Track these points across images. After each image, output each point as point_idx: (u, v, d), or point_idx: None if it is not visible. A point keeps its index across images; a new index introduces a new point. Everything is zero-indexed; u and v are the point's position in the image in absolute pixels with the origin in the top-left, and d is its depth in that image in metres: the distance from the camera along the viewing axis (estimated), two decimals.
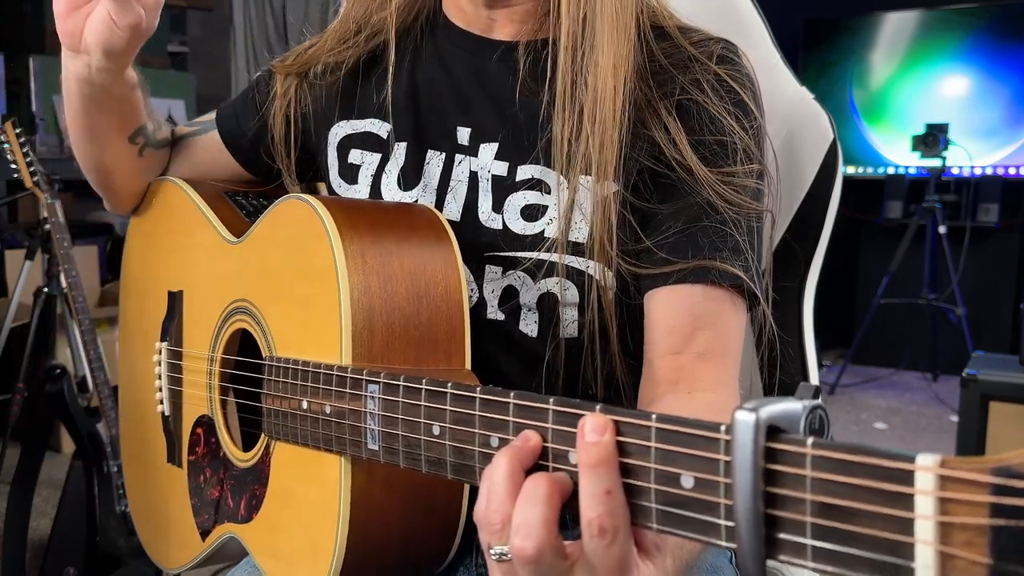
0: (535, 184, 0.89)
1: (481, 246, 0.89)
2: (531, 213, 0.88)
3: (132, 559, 2.09)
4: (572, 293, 0.87)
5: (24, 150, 2.36)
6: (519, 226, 0.89)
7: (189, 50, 4.50)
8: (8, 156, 2.38)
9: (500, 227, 0.89)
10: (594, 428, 0.50)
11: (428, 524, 0.81)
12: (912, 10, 5.16)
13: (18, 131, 2.38)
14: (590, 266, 0.86)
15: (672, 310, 0.84)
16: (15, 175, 2.40)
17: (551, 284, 0.88)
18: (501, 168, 0.91)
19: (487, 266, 0.89)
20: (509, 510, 0.53)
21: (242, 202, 1.08)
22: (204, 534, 0.99)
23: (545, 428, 0.55)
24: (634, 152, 0.86)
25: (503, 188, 0.90)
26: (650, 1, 0.91)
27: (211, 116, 1.14)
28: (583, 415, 0.52)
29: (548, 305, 0.88)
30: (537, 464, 0.55)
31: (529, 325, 0.89)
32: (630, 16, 0.84)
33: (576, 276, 0.87)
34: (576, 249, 0.87)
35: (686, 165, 0.84)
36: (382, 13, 0.97)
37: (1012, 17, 4.86)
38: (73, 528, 2.15)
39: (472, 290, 0.88)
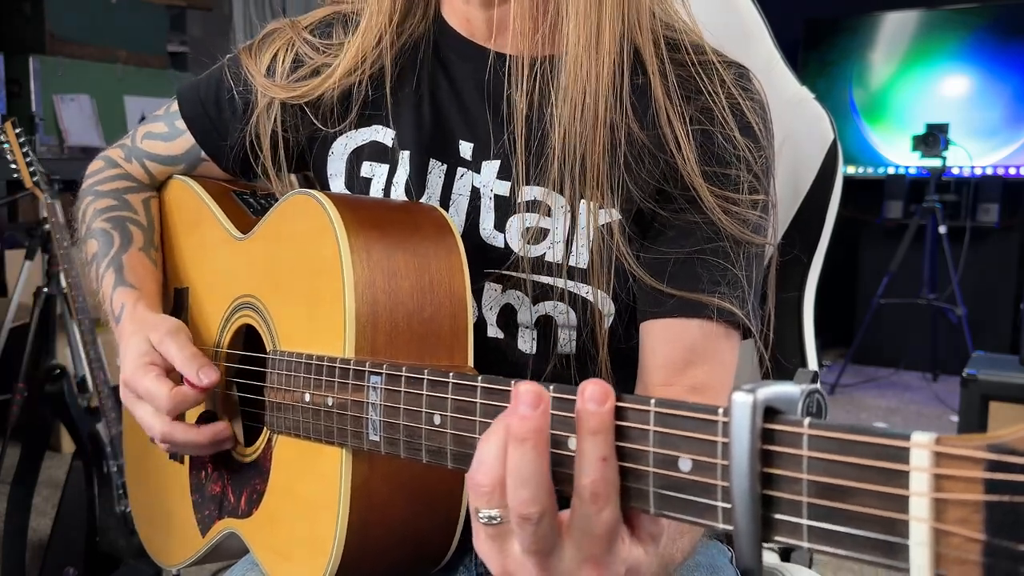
0: (537, 206, 0.88)
1: (482, 262, 0.88)
2: (532, 236, 0.88)
3: (132, 559, 2.09)
4: (570, 317, 0.87)
5: (24, 150, 2.37)
6: (519, 247, 0.88)
7: (189, 50, 4.50)
8: (8, 156, 2.39)
9: (502, 245, 0.89)
10: (593, 397, 0.51)
11: (429, 518, 0.81)
12: (912, 10, 5.16)
13: (18, 131, 2.39)
14: (588, 292, 0.86)
15: (667, 342, 0.84)
16: (15, 175, 2.40)
17: (549, 307, 0.88)
18: (503, 188, 0.89)
19: (486, 283, 0.88)
20: (501, 472, 0.53)
21: (250, 200, 1.07)
22: (204, 530, 0.99)
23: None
24: (645, 172, 0.85)
25: (505, 208, 0.89)
26: (668, 18, 0.90)
27: (183, 129, 1.06)
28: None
29: (546, 326, 0.88)
30: None
31: (527, 343, 0.89)
32: (606, 34, 0.82)
33: (574, 301, 0.87)
34: (576, 275, 0.86)
35: (694, 187, 0.84)
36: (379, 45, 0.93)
37: (1012, 17, 4.87)
38: (73, 528, 2.15)
39: (472, 307, 0.88)
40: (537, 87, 0.87)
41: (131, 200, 1.10)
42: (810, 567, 1.16)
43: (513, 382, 0.57)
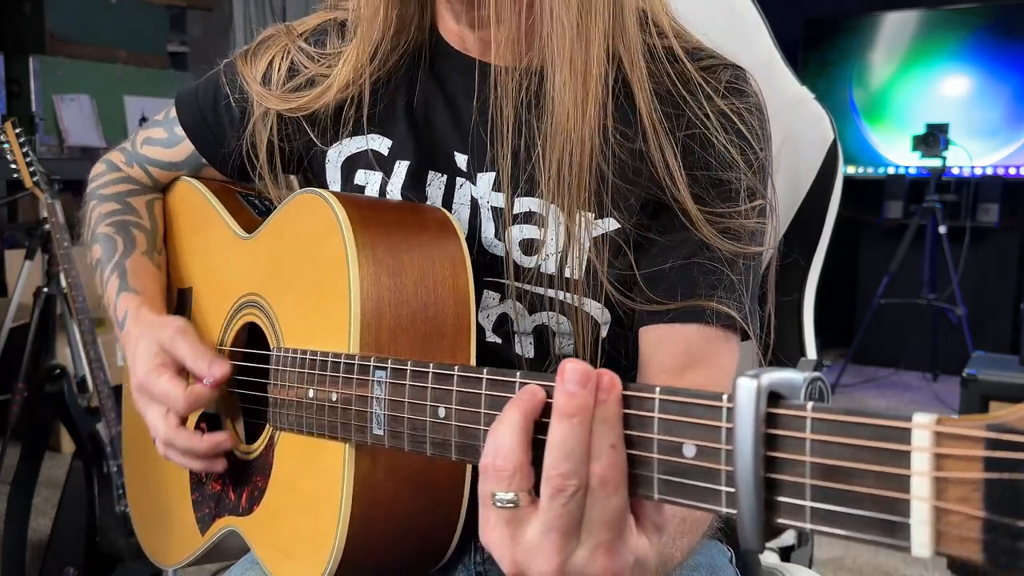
0: (532, 218, 0.88)
1: (481, 271, 0.88)
2: (528, 247, 0.88)
3: (132, 559, 2.09)
4: (566, 326, 0.87)
5: (24, 150, 2.37)
6: (518, 257, 0.88)
7: (189, 50, 4.50)
8: (8, 156, 2.39)
9: (502, 255, 0.89)
10: (601, 385, 0.52)
11: (432, 512, 0.81)
12: (912, 10, 5.17)
13: (18, 131, 2.39)
14: (585, 303, 0.86)
15: (665, 348, 0.84)
16: (15, 175, 2.40)
17: (545, 317, 0.88)
18: (499, 199, 0.89)
19: (485, 291, 0.89)
20: (521, 457, 0.54)
21: (255, 200, 1.08)
22: (203, 529, 0.99)
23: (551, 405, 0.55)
24: (634, 187, 0.85)
25: (502, 219, 0.89)
26: (660, 21, 0.89)
27: (183, 135, 1.06)
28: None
29: (543, 334, 0.89)
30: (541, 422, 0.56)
31: (525, 348, 0.90)
32: (594, 48, 0.81)
33: (571, 311, 0.87)
34: (571, 286, 0.86)
35: (683, 202, 0.83)
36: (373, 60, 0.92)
37: (1012, 17, 4.87)
38: (73, 528, 2.15)
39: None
40: (527, 101, 0.86)
41: (134, 203, 1.10)
42: (810, 567, 1.16)
43: (518, 373, 0.58)
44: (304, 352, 0.81)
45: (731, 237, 0.83)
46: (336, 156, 0.97)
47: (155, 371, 0.91)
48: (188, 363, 0.91)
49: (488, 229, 0.90)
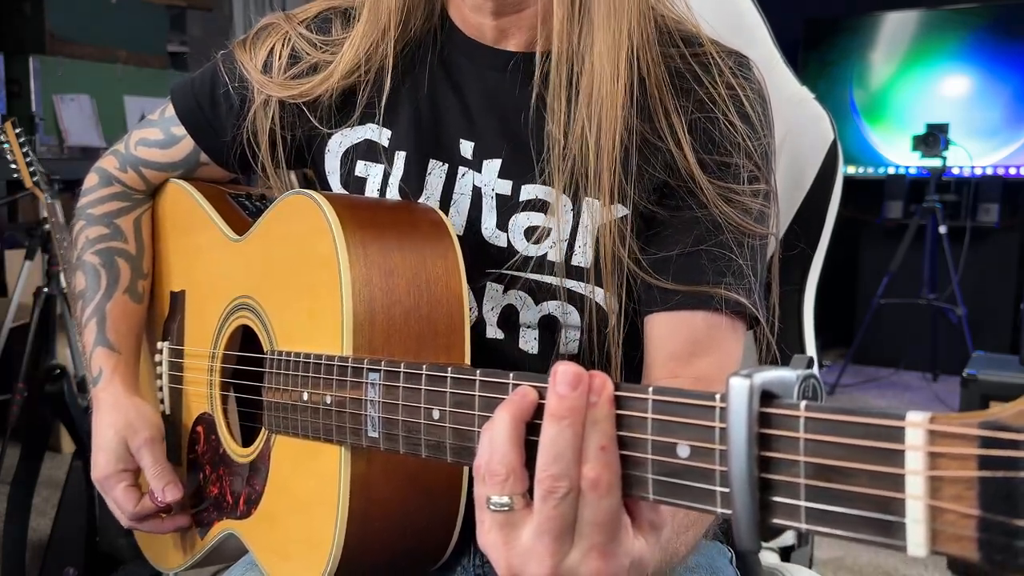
0: (539, 205, 0.87)
1: (483, 262, 0.88)
2: (534, 235, 0.87)
3: (132, 560, 2.09)
4: (574, 316, 0.87)
5: (24, 150, 2.37)
6: (523, 246, 0.88)
7: (189, 50, 4.49)
8: (8, 156, 2.39)
9: (505, 245, 0.88)
10: (592, 387, 0.52)
11: (429, 512, 0.81)
12: (912, 10, 5.16)
13: (18, 131, 2.39)
14: (593, 291, 0.86)
15: (672, 335, 0.84)
16: (15, 175, 2.40)
17: (552, 307, 0.87)
18: (504, 187, 0.89)
19: (488, 283, 0.88)
20: (514, 460, 0.54)
21: (245, 203, 1.07)
22: (203, 532, 0.99)
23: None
24: (647, 167, 0.85)
25: (507, 207, 0.89)
26: (664, 10, 0.89)
27: (179, 130, 1.04)
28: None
29: (549, 326, 0.88)
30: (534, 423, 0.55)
31: (529, 343, 0.89)
32: (625, 31, 0.82)
33: (578, 300, 0.86)
34: (579, 274, 0.86)
35: (693, 180, 0.83)
36: (383, 43, 0.92)
37: (1012, 17, 4.86)
38: (73, 528, 2.15)
39: (472, 308, 0.87)
40: (551, 84, 0.86)
41: (122, 225, 1.09)
42: (810, 567, 1.16)
43: (511, 375, 0.58)
44: (297, 355, 0.81)
45: (739, 212, 0.84)
46: (337, 146, 0.96)
47: (115, 476, 1.00)
48: (147, 475, 0.99)
49: (490, 219, 0.89)
